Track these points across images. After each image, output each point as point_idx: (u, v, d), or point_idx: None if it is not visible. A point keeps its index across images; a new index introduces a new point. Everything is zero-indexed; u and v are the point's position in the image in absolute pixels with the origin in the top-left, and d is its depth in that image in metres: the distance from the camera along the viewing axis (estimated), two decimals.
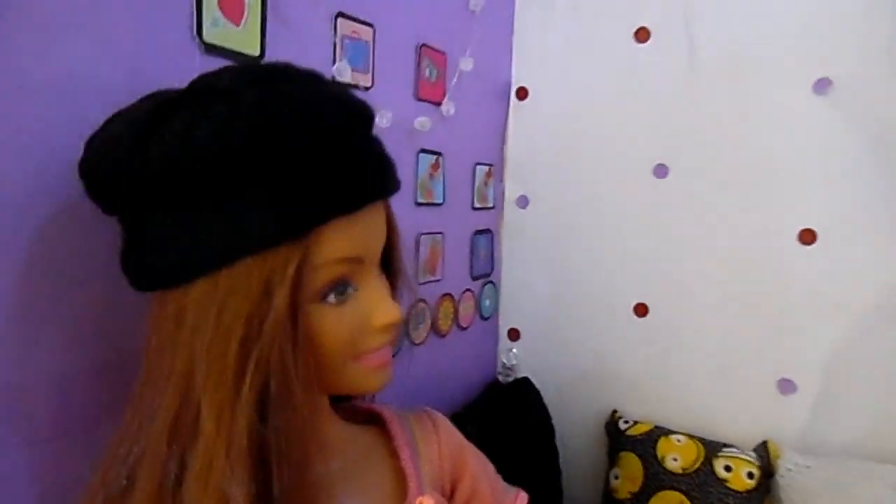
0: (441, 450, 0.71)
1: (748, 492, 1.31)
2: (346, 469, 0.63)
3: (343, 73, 0.99)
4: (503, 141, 1.64)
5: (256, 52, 0.85)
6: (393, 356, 0.60)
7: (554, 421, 1.54)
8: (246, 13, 0.84)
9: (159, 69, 0.73)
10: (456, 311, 1.46)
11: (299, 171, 0.49)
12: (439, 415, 0.75)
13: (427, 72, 1.26)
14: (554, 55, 1.59)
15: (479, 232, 1.55)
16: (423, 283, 1.32)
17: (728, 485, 1.32)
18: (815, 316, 1.36)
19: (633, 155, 1.51)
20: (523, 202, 1.65)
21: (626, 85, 1.51)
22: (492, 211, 1.61)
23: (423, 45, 1.24)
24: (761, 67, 1.36)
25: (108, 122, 0.55)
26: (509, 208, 1.66)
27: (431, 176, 1.31)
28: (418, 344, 1.31)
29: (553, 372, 1.62)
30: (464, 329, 1.51)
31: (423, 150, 1.27)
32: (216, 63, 0.77)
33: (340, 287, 0.54)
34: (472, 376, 1.59)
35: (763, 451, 1.36)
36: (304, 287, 0.50)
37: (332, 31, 1.00)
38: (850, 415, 1.33)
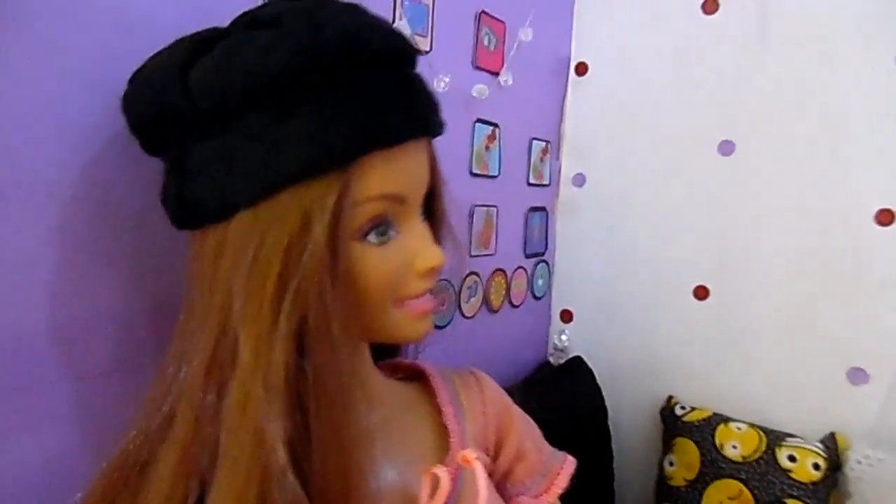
0: (486, 408, 0.69)
1: (814, 484, 1.24)
2: (387, 421, 0.62)
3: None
4: (561, 117, 1.60)
5: None
6: (435, 309, 0.59)
7: (607, 405, 1.50)
8: None
9: (224, 8, 0.72)
10: (508, 288, 1.44)
11: (340, 98, 0.48)
12: (484, 374, 0.73)
13: (486, 40, 1.24)
14: (616, 29, 1.54)
15: (533, 209, 1.52)
16: (476, 256, 1.30)
17: (792, 475, 1.25)
18: (890, 302, 1.27)
19: (697, 131, 1.45)
20: (580, 180, 1.61)
21: (692, 59, 1.45)
22: (547, 188, 1.58)
23: (483, 12, 1.22)
24: (838, 38, 1.29)
25: (154, 56, 0.55)
26: (565, 186, 1.62)
27: (487, 147, 1.29)
28: (469, 317, 1.30)
29: (607, 355, 1.58)
30: (516, 307, 1.49)
31: (480, 120, 1.25)
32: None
33: (381, 227, 0.52)
34: (524, 356, 1.57)
35: (831, 442, 1.29)
36: (344, 222, 0.48)
37: None
38: None
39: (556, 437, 1.29)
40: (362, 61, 0.49)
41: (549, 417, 1.28)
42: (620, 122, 1.55)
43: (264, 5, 0.54)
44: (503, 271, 1.40)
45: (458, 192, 1.21)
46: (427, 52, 1.07)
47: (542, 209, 1.57)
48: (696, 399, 1.46)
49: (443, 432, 0.64)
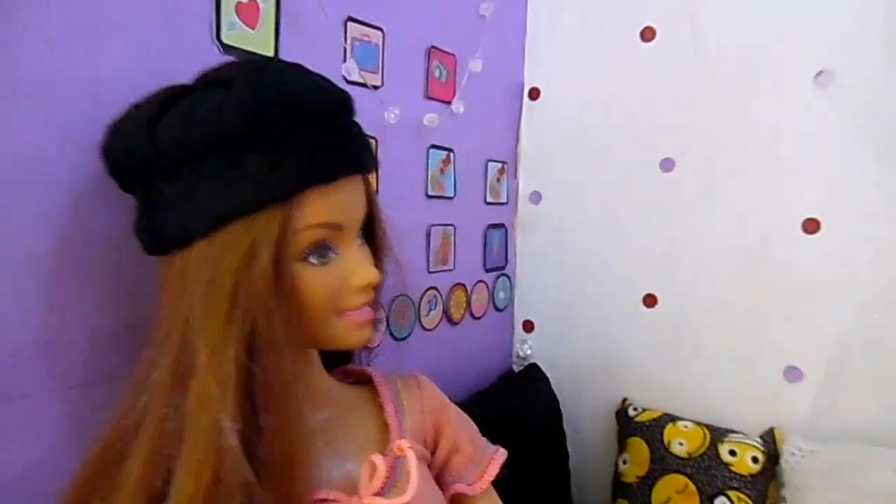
0: (424, 406, 0.78)
1: (752, 476, 1.33)
2: (334, 419, 0.72)
3: (351, 72, 1.08)
4: (516, 139, 1.71)
5: (270, 53, 0.95)
6: (375, 321, 0.69)
7: (567, 409, 1.59)
8: (261, 18, 0.93)
9: (182, 67, 0.81)
10: (468, 301, 1.53)
11: (282, 146, 0.58)
12: (425, 377, 0.83)
13: (437, 72, 1.35)
14: (565, 57, 1.66)
15: (492, 226, 1.62)
16: (435, 272, 1.40)
17: (732, 468, 1.34)
18: (821, 304, 1.38)
19: (640, 150, 1.56)
20: (536, 198, 1.71)
21: (634, 83, 1.56)
22: (505, 206, 1.68)
23: (433, 47, 1.33)
24: (763, 62, 1.40)
25: (127, 110, 0.65)
26: (523, 204, 1.72)
27: (442, 170, 1.39)
28: (430, 330, 1.39)
29: (567, 362, 1.67)
30: (477, 319, 1.58)
31: (434, 146, 1.35)
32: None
33: (321, 250, 0.62)
34: (488, 365, 1.65)
35: (769, 437, 1.39)
36: (287, 247, 0.58)
37: (343, 35, 1.09)
38: (856, 401, 1.34)
39: (517, 440, 1.38)
40: (300, 115, 0.60)
41: (510, 422, 1.37)
42: (572, 143, 1.66)
43: (220, 67, 0.64)
44: (463, 285, 1.50)
45: (415, 214, 1.33)
46: (378, 87, 1.17)
47: (501, 226, 1.67)
48: (648, 400, 1.55)
49: (384, 427, 0.74)
